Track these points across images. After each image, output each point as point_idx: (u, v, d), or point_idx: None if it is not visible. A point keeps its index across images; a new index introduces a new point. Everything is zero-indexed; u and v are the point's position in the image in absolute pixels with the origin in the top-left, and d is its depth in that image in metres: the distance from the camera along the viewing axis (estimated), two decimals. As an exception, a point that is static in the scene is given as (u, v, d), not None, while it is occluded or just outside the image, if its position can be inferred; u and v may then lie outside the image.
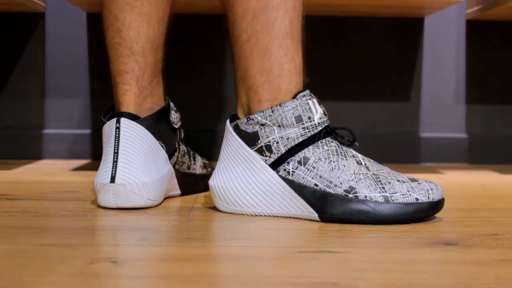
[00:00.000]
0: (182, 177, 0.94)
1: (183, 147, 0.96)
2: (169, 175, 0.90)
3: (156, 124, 0.86)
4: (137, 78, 0.86)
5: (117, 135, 0.83)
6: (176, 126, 0.91)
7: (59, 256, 0.61)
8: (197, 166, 1.00)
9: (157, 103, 0.89)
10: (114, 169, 0.82)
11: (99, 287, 0.52)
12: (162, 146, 0.87)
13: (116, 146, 0.83)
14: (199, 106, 1.49)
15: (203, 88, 1.49)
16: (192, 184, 0.98)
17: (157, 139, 0.86)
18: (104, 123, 0.86)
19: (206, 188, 0.98)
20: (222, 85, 1.49)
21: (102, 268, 0.57)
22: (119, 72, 0.87)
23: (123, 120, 0.83)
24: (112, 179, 0.82)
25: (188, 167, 0.97)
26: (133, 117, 0.85)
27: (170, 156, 0.90)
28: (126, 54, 0.86)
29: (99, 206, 0.84)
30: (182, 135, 0.95)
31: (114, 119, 0.83)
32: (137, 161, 0.83)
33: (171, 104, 0.91)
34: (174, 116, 0.91)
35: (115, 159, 0.82)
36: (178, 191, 0.94)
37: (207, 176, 1.00)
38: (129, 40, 0.86)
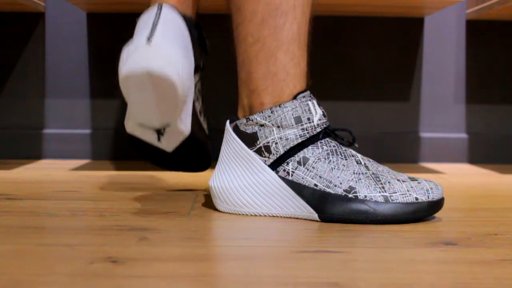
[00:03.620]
0: (193, 120, 0.89)
1: (201, 89, 0.93)
2: (193, 83, 0.86)
3: (192, 28, 0.85)
4: None
5: (157, 15, 0.79)
6: (207, 43, 0.91)
7: (59, 256, 0.61)
8: (205, 126, 0.96)
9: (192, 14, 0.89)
10: (152, 32, 0.76)
11: (99, 287, 0.52)
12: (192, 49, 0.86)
13: (156, 19, 0.78)
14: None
15: (206, 88, 1.49)
16: (198, 131, 0.92)
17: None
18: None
19: (206, 160, 0.95)
20: (226, 86, 1.49)
21: (102, 268, 0.57)
22: None
23: (166, 6, 0.80)
24: (149, 40, 0.75)
25: (200, 113, 0.92)
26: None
27: (195, 70, 0.87)
28: None
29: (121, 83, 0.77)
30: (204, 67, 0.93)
31: (156, 5, 0.80)
32: (174, 40, 0.78)
33: None
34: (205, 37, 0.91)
35: (155, 24, 0.77)
36: (189, 128, 0.87)
37: (208, 147, 0.96)
38: None
